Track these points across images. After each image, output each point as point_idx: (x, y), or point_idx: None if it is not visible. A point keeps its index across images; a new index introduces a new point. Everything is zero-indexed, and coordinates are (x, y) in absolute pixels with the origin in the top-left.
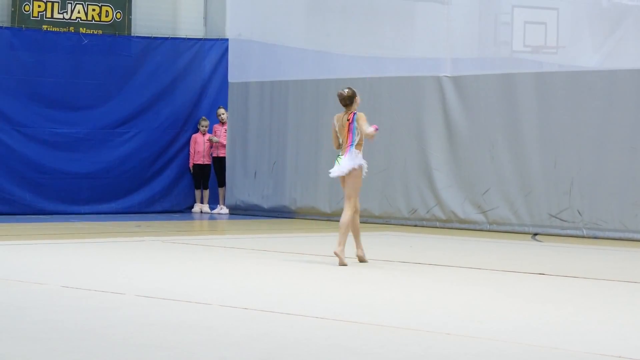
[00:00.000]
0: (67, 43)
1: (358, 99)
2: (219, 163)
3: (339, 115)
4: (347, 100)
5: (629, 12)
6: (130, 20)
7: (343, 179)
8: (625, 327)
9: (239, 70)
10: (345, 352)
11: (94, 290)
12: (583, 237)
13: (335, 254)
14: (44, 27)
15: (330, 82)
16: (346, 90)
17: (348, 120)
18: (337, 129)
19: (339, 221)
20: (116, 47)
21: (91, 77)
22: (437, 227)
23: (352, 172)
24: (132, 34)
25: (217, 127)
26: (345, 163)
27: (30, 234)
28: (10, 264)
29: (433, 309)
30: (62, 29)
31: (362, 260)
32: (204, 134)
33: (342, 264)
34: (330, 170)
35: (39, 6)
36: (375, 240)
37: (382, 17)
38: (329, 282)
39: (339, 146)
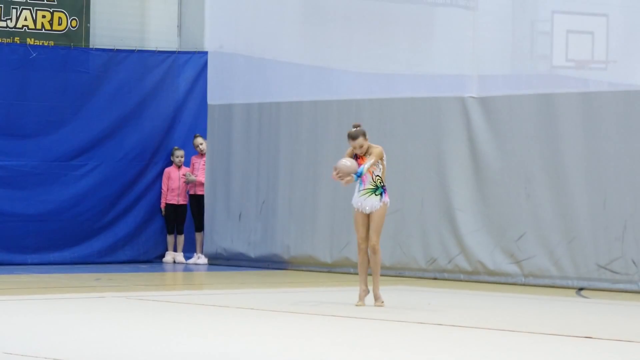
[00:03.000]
0: (12, 56)
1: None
2: (197, 202)
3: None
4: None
5: None
6: (88, 28)
7: None
8: None
9: (221, 90)
10: None
11: (41, 357)
12: (639, 292)
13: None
14: None
15: (331, 104)
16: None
17: None
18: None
19: (341, 272)
20: (71, 62)
21: (40, 97)
22: (461, 281)
23: None
24: (91, 46)
25: (195, 159)
26: None
27: None
28: None
29: None
30: (5, 40)
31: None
32: (179, 167)
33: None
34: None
35: None
36: (386, 296)
37: (395, 26)
38: (331, 346)
39: None
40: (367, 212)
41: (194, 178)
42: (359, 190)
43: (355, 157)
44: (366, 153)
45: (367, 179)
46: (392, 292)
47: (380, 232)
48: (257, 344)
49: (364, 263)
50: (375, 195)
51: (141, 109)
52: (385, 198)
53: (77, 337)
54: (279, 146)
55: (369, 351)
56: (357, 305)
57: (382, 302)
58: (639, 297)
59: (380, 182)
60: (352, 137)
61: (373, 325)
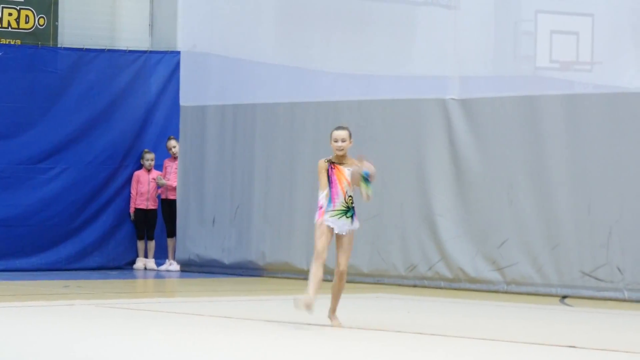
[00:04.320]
0: None
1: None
2: (169, 207)
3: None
4: None
5: None
6: (56, 27)
7: None
8: None
9: (194, 91)
10: None
11: None
12: (624, 300)
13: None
14: None
15: (309, 106)
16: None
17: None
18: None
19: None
20: (39, 61)
21: (7, 98)
22: (442, 288)
23: None
24: (59, 45)
25: (167, 162)
26: None
27: None
28: None
29: None
30: None
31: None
32: (149, 171)
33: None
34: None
35: None
36: (364, 304)
37: (374, 26)
38: (309, 356)
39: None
40: (336, 232)
41: (164, 182)
42: (327, 212)
43: (330, 166)
44: (342, 158)
45: (339, 199)
46: (370, 300)
47: (349, 257)
48: (230, 353)
49: (320, 274)
50: (347, 217)
51: (111, 110)
52: (356, 222)
53: (44, 346)
54: (254, 149)
55: None
56: (307, 308)
57: (340, 322)
58: (624, 306)
59: (352, 203)
60: (340, 126)
61: (352, 334)
